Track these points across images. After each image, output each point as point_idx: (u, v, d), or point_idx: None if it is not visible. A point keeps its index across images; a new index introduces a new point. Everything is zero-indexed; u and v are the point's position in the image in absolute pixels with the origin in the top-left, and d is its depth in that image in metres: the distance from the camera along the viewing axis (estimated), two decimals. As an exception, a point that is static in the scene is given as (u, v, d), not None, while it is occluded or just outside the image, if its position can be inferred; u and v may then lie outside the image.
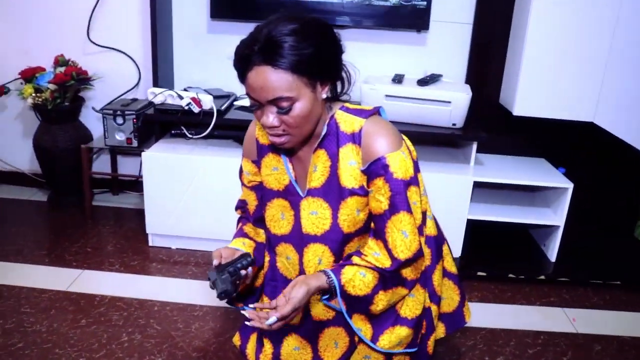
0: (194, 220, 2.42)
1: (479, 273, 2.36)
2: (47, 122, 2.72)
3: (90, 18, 2.70)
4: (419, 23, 2.49)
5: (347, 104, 1.36)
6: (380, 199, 1.29)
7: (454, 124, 2.33)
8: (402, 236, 1.28)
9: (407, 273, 1.34)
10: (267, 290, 1.54)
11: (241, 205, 1.60)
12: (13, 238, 2.55)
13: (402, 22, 2.51)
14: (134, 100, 2.67)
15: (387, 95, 2.31)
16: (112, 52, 2.77)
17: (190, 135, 2.49)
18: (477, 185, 2.36)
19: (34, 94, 2.61)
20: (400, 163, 1.27)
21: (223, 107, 2.43)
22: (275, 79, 1.17)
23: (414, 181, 1.30)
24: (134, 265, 2.36)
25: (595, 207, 2.78)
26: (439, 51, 2.61)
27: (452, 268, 1.61)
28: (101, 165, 3.00)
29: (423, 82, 2.34)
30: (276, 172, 1.43)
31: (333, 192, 1.35)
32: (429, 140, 2.59)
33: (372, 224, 1.36)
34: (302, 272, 1.44)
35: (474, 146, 2.41)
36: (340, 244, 1.38)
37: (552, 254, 2.45)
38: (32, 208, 2.88)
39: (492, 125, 2.58)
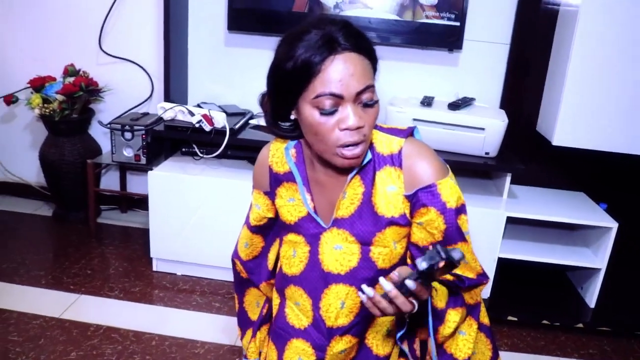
0: (201, 245, 2.25)
1: (510, 317, 2.14)
2: (55, 134, 2.59)
3: (102, 27, 2.58)
4: (451, 42, 2.31)
5: (380, 124, 1.17)
6: (432, 232, 1.12)
7: (486, 153, 2.13)
8: (464, 264, 1.14)
9: (466, 296, 1.18)
10: (273, 336, 1.36)
11: (239, 257, 1.39)
12: (12, 254, 2.41)
13: (433, 41, 2.32)
14: (145, 114, 2.53)
15: (415, 119, 2.13)
16: (125, 63, 2.64)
17: (200, 155, 2.33)
18: (510, 220, 2.15)
19: (41, 105, 2.48)
20: (451, 190, 1.10)
21: (237, 126, 2.27)
22: (362, 66, 1.01)
23: (464, 209, 1.14)
24: (135, 292, 2.19)
25: (639, 248, 2.54)
26: (472, 73, 2.42)
27: (485, 318, 1.40)
28: (110, 180, 2.86)
29: (454, 105, 2.15)
30: (291, 203, 1.23)
31: (365, 222, 1.16)
32: (459, 169, 2.38)
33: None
34: (317, 318, 1.24)
35: (508, 178, 2.21)
36: (370, 283, 1.17)
37: (592, 300, 2.22)
38: (36, 222, 2.75)
39: (528, 155, 2.38)
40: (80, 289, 2.18)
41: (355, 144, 1.04)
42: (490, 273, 2.14)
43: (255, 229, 1.33)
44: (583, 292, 2.30)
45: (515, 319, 2.14)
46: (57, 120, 2.51)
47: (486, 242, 2.11)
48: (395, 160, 1.12)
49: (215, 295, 2.19)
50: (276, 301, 1.35)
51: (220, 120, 2.19)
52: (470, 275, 1.16)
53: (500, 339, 2.06)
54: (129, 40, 2.61)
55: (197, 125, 2.18)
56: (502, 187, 2.23)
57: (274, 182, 1.25)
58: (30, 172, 2.90)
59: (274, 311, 1.37)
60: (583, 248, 2.27)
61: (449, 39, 2.30)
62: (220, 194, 2.18)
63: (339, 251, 1.19)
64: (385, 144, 1.13)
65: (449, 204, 1.09)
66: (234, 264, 1.41)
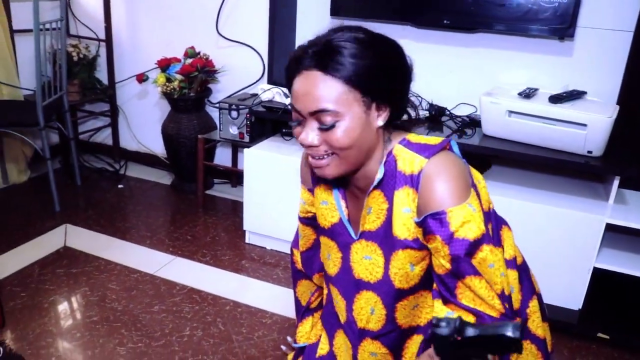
0: (290, 223, 2.34)
1: (600, 334, 1.94)
2: (175, 110, 2.84)
3: (219, 12, 2.76)
4: (562, 29, 2.12)
5: (410, 136, 1.12)
6: (441, 262, 1.06)
7: (589, 152, 1.94)
8: (479, 299, 1.04)
9: None
10: (324, 322, 1.40)
11: (297, 246, 1.43)
12: (131, 216, 2.71)
13: (542, 28, 2.16)
14: (254, 95, 2.66)
15: (510, 112, 2.01)
16: (241, 47, 2.80)
17: (286, 138, 2.42)
18: (614, 229, 1.94)
19: (164, 83, 2.73)
20: (465, 219, 1.02)
21: (330, 109, 2.31)
22: (323, 87, 1.00)
23: (486, 239, 1.03)
24: (223, 260, 2.35)
25: None
26: (586, 63, 2.21)
27: (538, 330, 1.29)
28: (223, 156, 3.07)
29: (556, 98, 1.99)
30: (325, 206, 1.24)
31: (388, 239, 1.13)
32: (556, 168, 2.20)
33: (435, 285, 1.11)
34: (350, 319, 1.26)
35: (616, 181, 1.99)
36: (392, 299, 1.17)
37: None
38: (156, 190, 3.04)
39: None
40: (177, 251, 2.39)
41: (318, 158, 1.07)
42: (583, 283, 1.96)
43: (304, 221, 1.37)
44: (700, 318, 2.01)
45: (607, 337, 1.94)
46: (176, 97, 2.74)
47: (581, 249, 1.93)
48: (415, 181, 1.06)
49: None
50: (326, 290, 1.38)
51: (313, 102, 2.24)
52: (492, 313, 1.05)
53: (585, 357, 1.88)
54: (244, 24, 2.77)
55: (289, 107, 2.26)
56: (609, 191, 2.02)
57: (314, 180, 1.27)
58: (158, 144, 3.21)
59: (324, 299, 1.40)
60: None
61: (560, 25, 2.12)
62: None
63: (368, 261, 1.18)
64: (407, 162, 1.08)
65: (457, 233, 1.02)
66: (292, 253, 1.46)
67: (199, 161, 2.71)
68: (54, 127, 3.06)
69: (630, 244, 2.08)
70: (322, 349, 1.38)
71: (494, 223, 1.16)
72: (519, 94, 2.07)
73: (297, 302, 1.51)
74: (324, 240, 1.27)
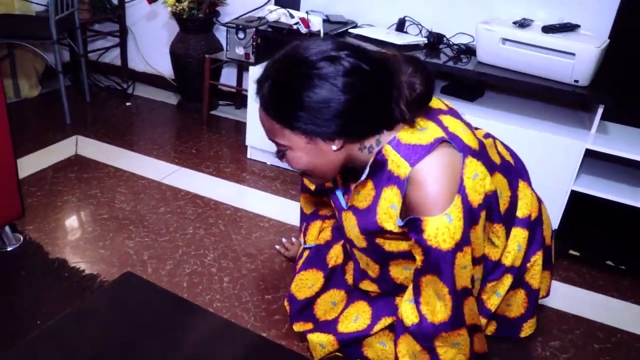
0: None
1: (572, 252, 2.10)
2: (184, 31, 2.92)
3: None
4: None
5: (401, 134, 1.12)
6: (415, 256, 1.16)
7: (576, 81, 2.04)
8: (436, 299, 1.17)
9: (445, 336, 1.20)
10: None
11: None
12: (138, 130, 2.84)
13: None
14: (261, 18, 2.73)
15: (503, 39, 2.09)
16: (250, -30, 2.85)
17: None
18: (593, 155, 2.06)
19: (175, 3, 2.80)
20: (439, 230, 1.08)
21: (333, 32, 2.39)
22: (266, 122, 1.12)
23: (460, 246, 1.10)
24: (226, 172, 2.49)
25: None
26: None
27: (532, 280, 1.46)
28: (228, 78, 3.16)
29: (549, 29, 2.07)
30: None
31: (369, 222, 1.23)
32: (544, 95, 2.32)
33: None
34: (354, 260, 1.43)
35: (600, 110, 2.10)
36: (383, 259, 1.31)
37: (673, 251, 2.09)
38: (163, 109, 3.16)
39: (633, 93, 2.22)
40: (182, 162, 2.53)
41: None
42: (561, 204, 2.10)
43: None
44: (666, 243, 2.17)
45: (578, 254, 2.10)
46: (185, 18, 2.82)
47: (560, 173, 2.06)
48: (402, 185, 1.11)
49: (295, 185, 2.42)
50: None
51: (317, 24, 2.33)
52: (439, 316, 1.16)
53: (556, 272, 2.04)
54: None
55: (294, 27, 2.35)
56: (593, 120, 2.13)
57: None
58: (165, 65, 3.29)
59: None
60: (674, 197, 2.12)
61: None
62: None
63: (353, 232, 1.30)
64: (395, 164, 1.11)
65: (429, 241, 1.09)
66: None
67: (206, 80, 2.81)
68: (64, 44, 3.14)
69: (607, 171, 2.21)
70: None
71: (510, 179, 1.28)
72: (514, 23, 2.15)
73: (301, 210, 1.70)
74: (327, 199, 1.46)
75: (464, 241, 1.10)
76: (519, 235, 1.39)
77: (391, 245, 1.26)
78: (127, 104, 3.17)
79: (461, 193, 1.10)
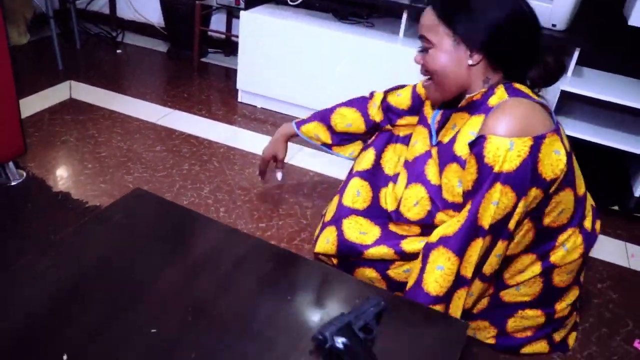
0: (281, 83, 2.55)
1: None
2: (174, -24, 2.95)
3: None
4: None
5: (517, 85, 1.25)
6: (467, 179, 1.21)
7: (553, 25, 2.14)
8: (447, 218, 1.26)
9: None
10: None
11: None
12: (130, 76, 2.90)
13: None
14: (250, -36, 2.78)
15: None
16: None
17: (291, 2, 2.57)
18: (571, 98, 2.18)
19: (164, -52, 2.82)
20: (498, 150, 1.12)
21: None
22: (427, 18, 1.26)
23: (504, 179, 1.13)
24: (218, 114, 2.58)
25: None
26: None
27: (586, 223, 1.39)
28: (217, 25, 3.20)
29: (529, -27, 2.16)
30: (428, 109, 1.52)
31: (448, 152, 1.32)
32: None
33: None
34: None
35: (576, 54, 2.21)
36: (439, 203, 1.35)
37: (639, 189, 2.24)
38: (153, 56, 3.21)
39: (608, 39, 2.32)
40: (175, 106, 2.61)
41: (425, 75, 1.33)
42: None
43: (384, 104, 1.67)
44: (633, 181, 2.31)
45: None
46: (174, -37, 2.85)
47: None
48: (488, 111, 1.20)
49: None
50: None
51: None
52: (449, 229, 1.20)
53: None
54: None
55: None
56: (569, 63, 2.24)
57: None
58: (155, 14, 3.32)
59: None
60: (642, 135, 2.25)
61: None
62: (303, 40, 2.42)
63: (433, 167, 1.39)
64: (497, 97, 1.22)
65: (486, 158, 1.13)
66: (371, 95, 1.70)
67: (196, 26, 2.87)
68: (53, -11, 3.16)
69: (582, 113, 2.34)
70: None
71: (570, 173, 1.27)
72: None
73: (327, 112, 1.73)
74: (420, 129, 1.50)
75: (510, 178, 1.12)
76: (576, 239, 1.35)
77: (447, 193, 1.31)
78: (118, 51, 3.21)
79: (534, 150, 1.13)
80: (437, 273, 1.22)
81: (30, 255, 1.01)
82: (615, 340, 1.57)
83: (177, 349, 0.90)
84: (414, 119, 1.60)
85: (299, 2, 2.51)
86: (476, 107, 1.27)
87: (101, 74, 2.87)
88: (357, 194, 1.55)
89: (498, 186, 1.13)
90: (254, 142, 2.36)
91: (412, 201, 1.40)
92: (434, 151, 1.39)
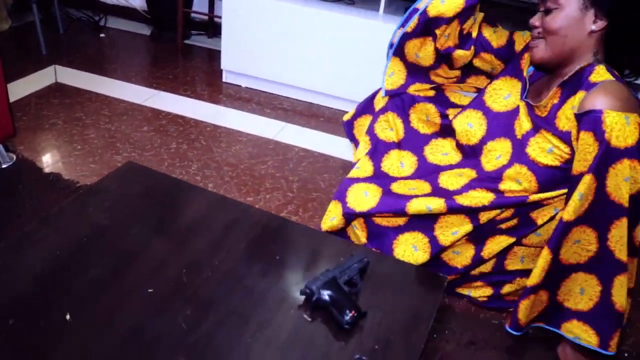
0: (266, 63, 2.59)
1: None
2: (154, -42, 2.96)
3: None
4: None
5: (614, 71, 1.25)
6: (583, 157, 1.19)
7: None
8: (577, 196, 1.18)
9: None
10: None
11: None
12: (115, 59, 2.93)
13: None
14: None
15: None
16: None
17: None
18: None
19: None
20: (616, 125, 1.13)
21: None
22: None
23: (628, 153, 1.13)
24: (203, 94, 2.62)
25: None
26: None
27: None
28: (200, 7, 3.23)
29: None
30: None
31: (548, 124, 1.31)
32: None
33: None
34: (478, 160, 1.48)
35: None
36: (523, 159, 1.36)
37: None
38: (136, 39, 3.23)
39: None
40: (160, 87, 2.64)
41: (534, 38, 1.33)
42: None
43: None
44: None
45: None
46: (154, -56, 2.86)
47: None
48: (590, 87, 1.20)
49: (269, 104, 2.57)
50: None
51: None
52: (569, 210, 1.19)
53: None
54: None
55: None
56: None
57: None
58: (136, -4, 3.35)
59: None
60: None
61: None
62: (289, 20, 2.46)
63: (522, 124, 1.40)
64: (599, 75, 1.22)
65: (607, 134, 1.13)
66: None
67: (179, 7, 2.89)
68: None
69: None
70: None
71: None
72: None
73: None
74: (512, 81, 1.49)
75: (631, 152, 1.13)
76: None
77: (536, 153, 1.32)
78: (101, 35, 3.22)
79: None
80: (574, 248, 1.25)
81: (33, 224, 1.06)
82: None
83: (173, 307, 0.97)
84: (492, 63, 1.60)
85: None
86: (576, 79, 1.27)
87: (86, 58, 2.89)
88: (400, 165, 1.58)
89: (626, 162, 1.14)
90: (239, 120, 2.41)
91: (496, 155, 1.43)
92: (522, 106, 1.41)
